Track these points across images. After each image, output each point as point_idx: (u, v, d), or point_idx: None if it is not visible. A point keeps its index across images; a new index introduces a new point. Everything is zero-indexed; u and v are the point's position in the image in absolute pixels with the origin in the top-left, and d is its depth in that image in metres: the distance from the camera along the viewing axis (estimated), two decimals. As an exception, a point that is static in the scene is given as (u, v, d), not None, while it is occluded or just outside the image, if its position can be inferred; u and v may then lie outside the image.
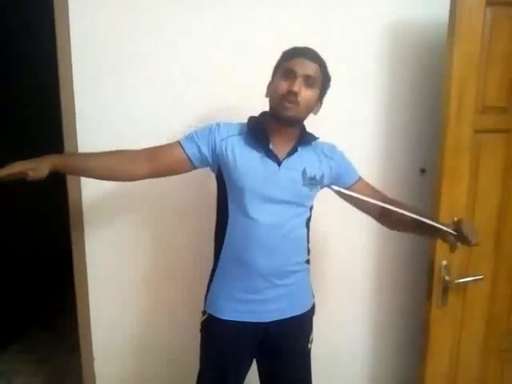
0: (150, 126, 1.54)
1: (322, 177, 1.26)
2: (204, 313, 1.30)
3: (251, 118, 1.26)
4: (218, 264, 1.27)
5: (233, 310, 1.24)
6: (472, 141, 1.37)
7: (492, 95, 1.37)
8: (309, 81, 1.16)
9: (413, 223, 1.15)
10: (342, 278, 1.76)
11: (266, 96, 1.24)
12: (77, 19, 1.45)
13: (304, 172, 1.22)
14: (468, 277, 1.43)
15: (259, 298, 1.23)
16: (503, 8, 1.31)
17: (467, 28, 1.29)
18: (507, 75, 1.37)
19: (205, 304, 1.31)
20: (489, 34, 1.32)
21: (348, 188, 1.29)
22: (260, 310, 1.24)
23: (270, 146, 1.21)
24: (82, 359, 1.67)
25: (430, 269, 1.42)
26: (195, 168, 1.26)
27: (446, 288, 1.41)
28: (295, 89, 1.13)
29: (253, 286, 1.22)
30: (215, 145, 1.22)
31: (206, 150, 1.22)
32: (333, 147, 1.33)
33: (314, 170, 1.24)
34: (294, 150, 1.23)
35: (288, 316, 1.26)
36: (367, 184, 1.35)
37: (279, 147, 1.22)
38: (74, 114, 1.50)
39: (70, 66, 1.47)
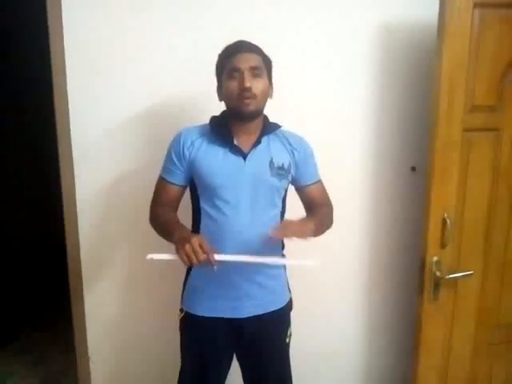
0: (144, 125, 1.56)
1: (290, 165, 1.27)
2: (181, 310, 1.32)
3: (213, 118, 1.28)
4: None
5: (209, 307, 1.25)
6: (461, 139, 1.39)
7: (481, 94, 1.39)
8: (255, 71, 1.17)
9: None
10: (333, 274, 1.78)
11: (220, 101, 1.25)
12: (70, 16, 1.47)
13: (271, 162, 1.23)
14: (459, 272, 1.45)
15: (235, 294, 1.24)
16: (490, 10, 1.33)
17: (456, 29, 1.32)
18: (495, 75, 1.39)
19: (181, 302, 1.32)
20: (477, 35, 1.34)
21: (304, 186, 1.32)
22: (236, 306, 1.25)
23: (235, 141, 1.22)
24: (78, 359, 1.68)
25: (421, 265, 1.44)
26: (187, 187, 1.30)
27: (437, 283, 1.43)
28: (247, 84, 1.15)
29: (228, 282, 1.23)
30: (184, 155, 1.24)
31: (184, 169, 1.25)
32: (300, 139, 1.33)
33: (281, 159, 1.25)
34: (257, 142, 1.24)
35: (264, 311, 1.27)
36: (322, 190, 1.36)
37: (243, 141, 1.23)
38: (68, 112, 1.52)
39: (63, 62, 1.48)
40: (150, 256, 1.06)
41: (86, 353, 1.67)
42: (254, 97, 1.17)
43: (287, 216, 1.33)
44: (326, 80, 1.66)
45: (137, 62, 1.53)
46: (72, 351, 1.70)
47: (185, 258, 1.03)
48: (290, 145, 1.29)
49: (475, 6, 1.31)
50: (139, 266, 1.65)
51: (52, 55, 1.48)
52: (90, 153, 1.56)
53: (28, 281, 3.05)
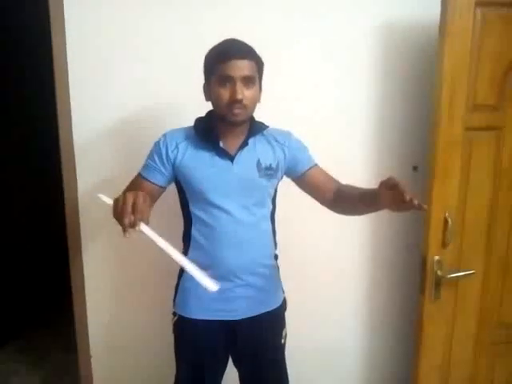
0: (146, 124, 1.56)
1: (278, 164, 1.25)
2: (174, 314, 1.31)
3: (198, 120, 1.26)
4: None
5: (202, 309, 1.24)
6: (463, 138, 1.39)
7: (482, 93, 1.39)
8: (248, 80, 1.13)
9: (359, 199, 1.16)
10: (334, 273, 1.78)
11: (207, 100, 1.22)
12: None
13: (258, 163, 1.22)
14: (460, 272, 1.45)
15: (228, 296, 1.22)
16: (492, 8, 1.33)
17: (458, 28, 1.32)
18: (497, 74, 1.39)
19: (174, 305, 1.32)
20: (479, 34, 1.34)
21: (303, 174, 1.29)
22: (229, 308, 1.24)
23: (221, 144, 1.21)
24: (80, 357, 1.68)
25: (422, 264, 1.44)
26: (165, 189, 1.26)
27: (438, 283, 1.43)
28: (239, 97, 1.11)
29: (221, 283, 1.21)
30: (169, 158, 1.22)
31: (166, 170, 1.22)
32: (287, 134, 1.30)
33: (268, 160, 1.24)
34: (244, 144, 1.22)
35: (258, 312, 1.26)
36: (323, 171, 1.32)
37: (230, 144, 1.22)
38: (70, 111, 1.52)
39: (65, 63, 1.49)
40: (99, 195, 1.00)
41: (88, 352, 1.68)
42: (245, 107, 1.14)
43: (278, 215, 1.33)
44: (327, 80, 1.66)
45: (139, 62, 1.53)
46: (74, 350, 1.70)
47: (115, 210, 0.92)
48: (278, 142, 1.27)
49: (477, 5, 1.31)
50: (142, 266, 1.65)
51: (54, 55, 1.48)
52: (91, 152, 1.56)
53: (29, 280, 3.06)
